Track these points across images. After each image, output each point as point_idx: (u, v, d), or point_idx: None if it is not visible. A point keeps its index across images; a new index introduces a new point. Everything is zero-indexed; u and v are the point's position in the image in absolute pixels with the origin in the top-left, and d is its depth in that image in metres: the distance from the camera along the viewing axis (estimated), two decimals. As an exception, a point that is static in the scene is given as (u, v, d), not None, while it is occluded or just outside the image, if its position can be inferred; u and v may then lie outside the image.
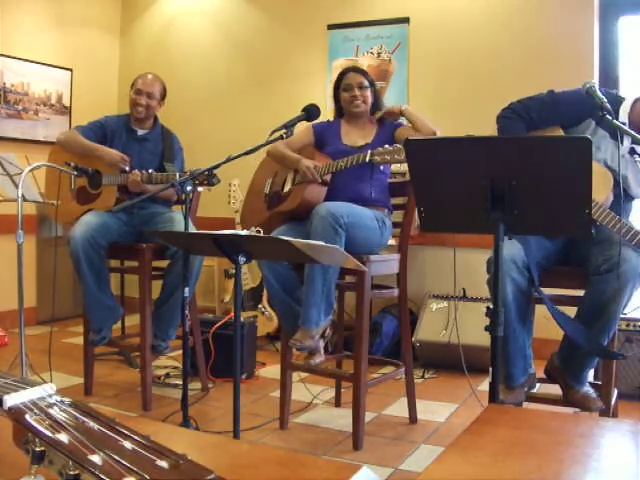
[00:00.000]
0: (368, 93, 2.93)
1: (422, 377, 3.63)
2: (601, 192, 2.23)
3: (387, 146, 2.64)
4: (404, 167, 3.24)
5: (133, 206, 3.07)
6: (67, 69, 5.03)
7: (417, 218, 2.18)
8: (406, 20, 4.45)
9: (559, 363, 2.35)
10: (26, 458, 0.54)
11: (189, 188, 2.46)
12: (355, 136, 2.94)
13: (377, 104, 2.99)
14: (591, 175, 1.75)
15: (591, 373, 2.54)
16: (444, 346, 3.67)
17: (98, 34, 5.37)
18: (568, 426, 1.26)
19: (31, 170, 2.81)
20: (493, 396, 1.89)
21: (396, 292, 2.86)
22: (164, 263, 3.16)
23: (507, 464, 1.01)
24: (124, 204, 2.77)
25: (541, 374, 2.45)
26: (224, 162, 2.44)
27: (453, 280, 3.67)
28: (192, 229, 2.84)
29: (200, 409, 3.02)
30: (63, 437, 0.53)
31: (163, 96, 3.32)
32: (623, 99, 2.40)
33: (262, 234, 2.65)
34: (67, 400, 0.61)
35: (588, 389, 2.32)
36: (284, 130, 2.46)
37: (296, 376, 3.02)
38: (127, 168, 3.12)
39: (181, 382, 2.79)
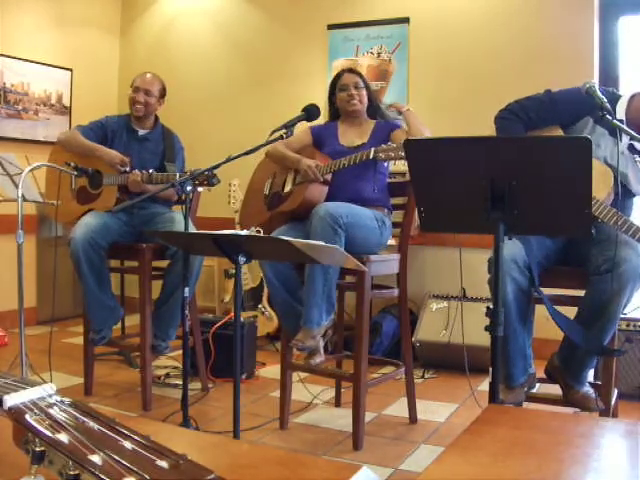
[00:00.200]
0: (364, 93, 2.94)
1: (422, 377, 3.63)
2: (601, 190, 2.23)
3: (390, 143, 2.64)
4: (404, 167, 3.23)
5: (133, 206, 3.07)
6: (67, 69, 5.03)
7: (417, 218, 2.18)
8: (406, 20, 4.45)
9: (559, 363, 2.35)
10: (26, 458, 0.54)
11: (189, 188, 2.46)
12: (352, 136, 2.94)
13: (373, 106, 2.99)
14: (591, 175, 1.75)
15: (591, 373, 2.54)
16: (444, 346, 3.67)
17: (98, 34, 5.37)
18: (568, 426, 1.26)
19: (31, 170, 2.81)
20: (493, 396, 1.89)
21: (396, 292, 2.86)
22: (164, 263, 3.16)
23: (507, 464, 1.01)
24: (124, 204, 2.77)
25: (541, 374, 2.45)
26: (224, 162, 2.44)
27: (455, 280, 3.68)
28: (192, 229, 2.84)
29: (200, 409, 3.02)
30: (63, 437, 0.53)
31: (162, 94, 3.32)
32: (620, 96, 2.40)
33: (262, 234, 2.65)
34: (67, 400, 0.61)
35: (588, 389, 2.32)
36: (284, 130, 2.46)
37: (296, 376, 3.02)
38: (127, 169, 3.12)
39: (181, 382, 2.79)
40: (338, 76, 2.99)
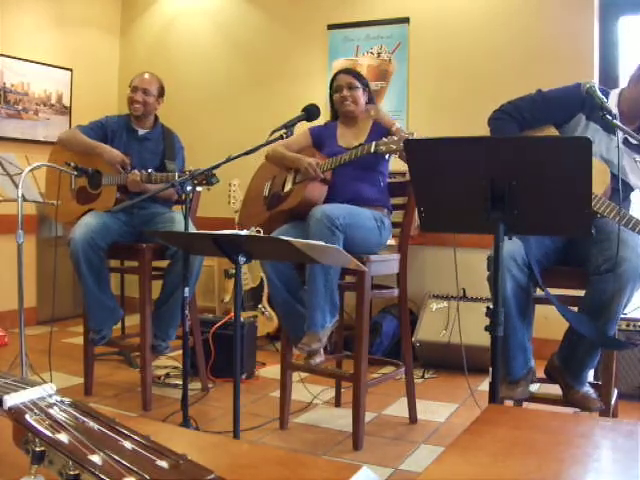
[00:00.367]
0: (359, 93, 2.92)
1: (422, 377, 3.63)
2: (599, 187, 2.23)
3: (391, 137, 2.63)
4: (404, 167, 3.23)
5: (133, 206, 3.07)
6: (67, 69, 5.03)
7: (417, 218, 2.18)
8: (406, 20, 4.45)
9: (559, 363, 2.35)
10: (26, 458, 0.54)
11: (189, 188, 2.46)
12: (350, 137, 2.94)
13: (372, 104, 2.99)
14: (591, 175, 1.75)
15: (591, 373, 2.54)
16: (444, 346, 3.67)
17: (98, 34, 5.37)
18: (568, 426, 1.26)
19: (31, 170, 2.80)
20: (493, 396, 1.89)
21: (396, 292, 2.86)
22: (164, 263, 3.16)
23: (507, 464, 1.01)
24: (124, 204, 2.78)
25: (541, 374, 2.45)
26: (224, 162, 2.44)
27: (454, 280, 3.68)
28: (192, 229, 2.84)
29: (200, 409, 3.02)
30: (63, 437, 0.53)
31: (161, 93, 3.32)
32: (609, 92, 2.41)
33: (262, 234, 2.65)
34: (67, 400, 0.61)
35: (588, 389, 2.32)
36: (284, 130, 2.46)
37: (296, 376, 3.02)
38: (128, 168, 3.12)
39: (181, 382, 2.79)
40: (334, 77, 2.99)
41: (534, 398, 2.45)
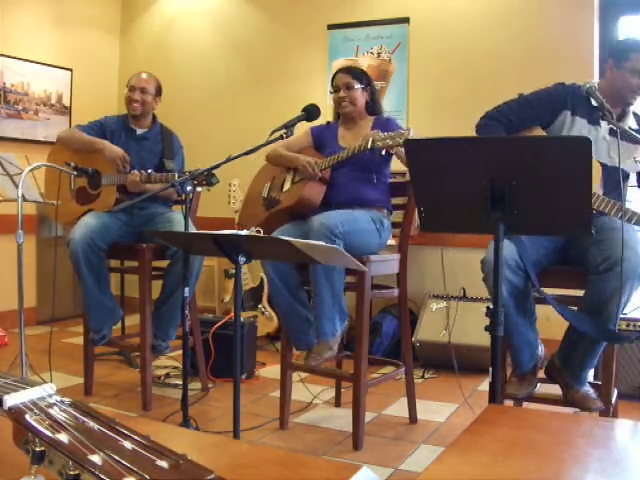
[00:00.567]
0: (357, 94, 2.88)
1: (422, 377, 3.63)
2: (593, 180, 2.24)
3: (388, 132, 2.62)
4: (404, 167, 3.23)
5: (133, 206, 3.07)
6: (67, 69, 5.03)
7: (417, 218, 2.18)
8: (406, 20, 4.45)
9: (559, 363, 2.35)
10: (26, 458, 0.54)
11: (189, 188, 2.45)
12: (350, 138, 2.93)
13: (374, 104, 2.97)
14: (591, 175, 1.75)
15: (591, 373, 2.54)
16: (444, 346, 3.66)
17: (98, 34, 5.37)
18: (568, 426, 1.26)
19: (31, 170, 2.81)
20: (493, 396, 1.89)
21: (396, 292, 2.86)
22: (164, 263, 3.16)
23: (507, 464, 1.01)
24: (124, 204, 2.77)
25: (541, 374, 2.45)
26: (224, 162, 2.44)
27: (455, 280, 3.68)
28: (192, 229, 2.84)
29: (200, 409, 3.02)
30: (63, 437, 0.53)
31: (158, 92, 3.31)
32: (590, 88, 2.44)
33: (262, 234, 2.65)
34: (67, 400, 0.61)
35: (588, 389, 2.32)
36: (284, 130, 2.46)
37: (296, 376, 3.02)
38: (128, 166, 3.12)
39: (181, 382, 2.79)
40: (334, 76, 2.98)
41: (534, 398, 2.45)
